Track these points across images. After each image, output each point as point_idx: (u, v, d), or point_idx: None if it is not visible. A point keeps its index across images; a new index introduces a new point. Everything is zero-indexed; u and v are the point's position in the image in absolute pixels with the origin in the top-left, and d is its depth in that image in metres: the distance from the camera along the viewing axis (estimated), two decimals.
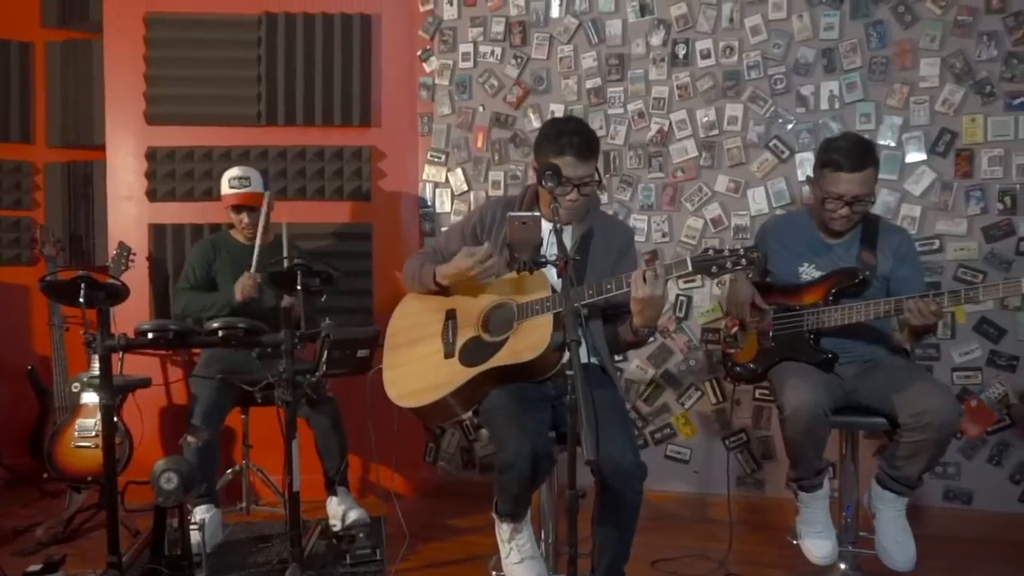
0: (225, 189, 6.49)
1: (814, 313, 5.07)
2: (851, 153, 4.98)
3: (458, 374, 4.70)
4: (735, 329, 5.41)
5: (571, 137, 4.68)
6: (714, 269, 4.28)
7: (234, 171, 6.54)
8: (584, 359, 4.32)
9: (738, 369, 5.40)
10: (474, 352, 4.73)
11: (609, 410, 4.41)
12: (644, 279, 4.30)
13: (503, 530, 4.62)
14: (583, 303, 4.47)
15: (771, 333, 5.21)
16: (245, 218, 6.52)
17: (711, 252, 4.32)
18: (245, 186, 6.47)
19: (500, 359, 4.59)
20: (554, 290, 4.60)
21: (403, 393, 4.87)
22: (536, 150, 4.88)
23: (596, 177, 4.77)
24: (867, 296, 5.02)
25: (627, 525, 4.56)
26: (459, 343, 4.82)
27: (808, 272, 5.28)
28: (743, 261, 4.24)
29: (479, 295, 4.92)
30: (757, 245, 5.47)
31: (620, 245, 5.03)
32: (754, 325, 5.32)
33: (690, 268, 4.34)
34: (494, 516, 4.62)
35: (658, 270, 4.30)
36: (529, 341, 4.54)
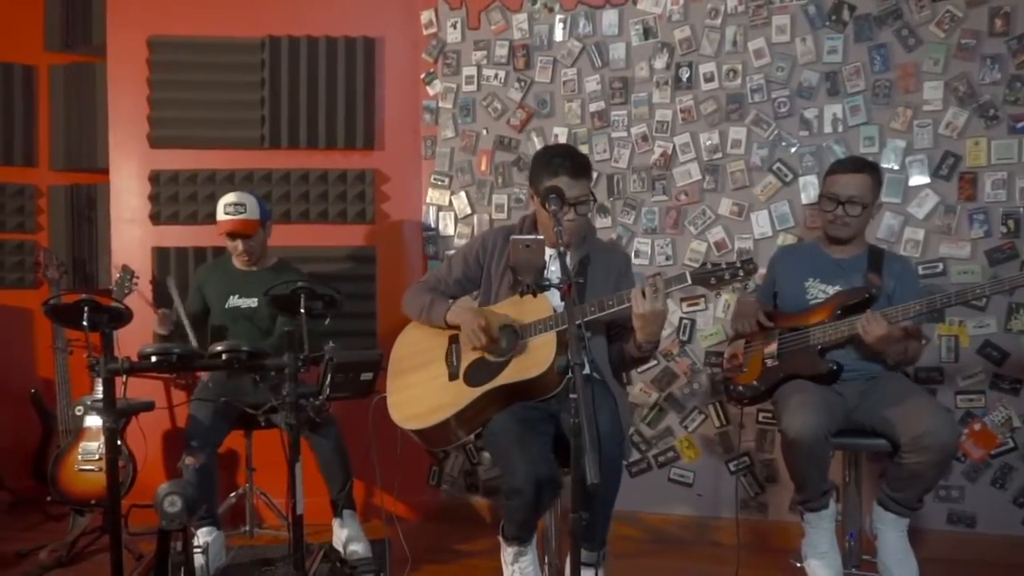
0: (220, 215, 6.44)
1: (820, 329, 5.12)
2: (850, 161, 5.32)
3: (463, 395, 4.74)
4: (738, 355, 5.42)
5: (563, 159, 4.83)
6: (712, 281, 4.42)
7: (230, 197, 6.48)
8: (586, 371, 4.34)
9: (740, 389, 5.43)
10: (479, 373, 4.78)
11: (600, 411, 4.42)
12: (644, 294, 4.37)
13: (507, 553, 4.65)
14: (586, 319, 4.50)
15: (777, 352, 5.22)
16: (240, 245, 6.47)
17: (709, 265, 4.46)
18: (240, 212, 6.41)
19: (506, 377, 4.65)
20: (555, 309, 4.66)
21: (407, 416, 4.91)
22: (532, 179, 4.99)
23: (591, 197, 4.88)
24: None
25: (602, 513, 4.66)
26: (463, 365, 4.87)
27: (814, 286, 5.36)
28: (740, 272, 4.37)
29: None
30: (767, 277, 5.62)
31: (619, 267, 5.13)
32: (759, 345, 5.33)
33: (689, 281, 4.46)
34: (500, 539, 4.64)
35: (658, 284, 4.36)
36: (535, 358, 4.61)
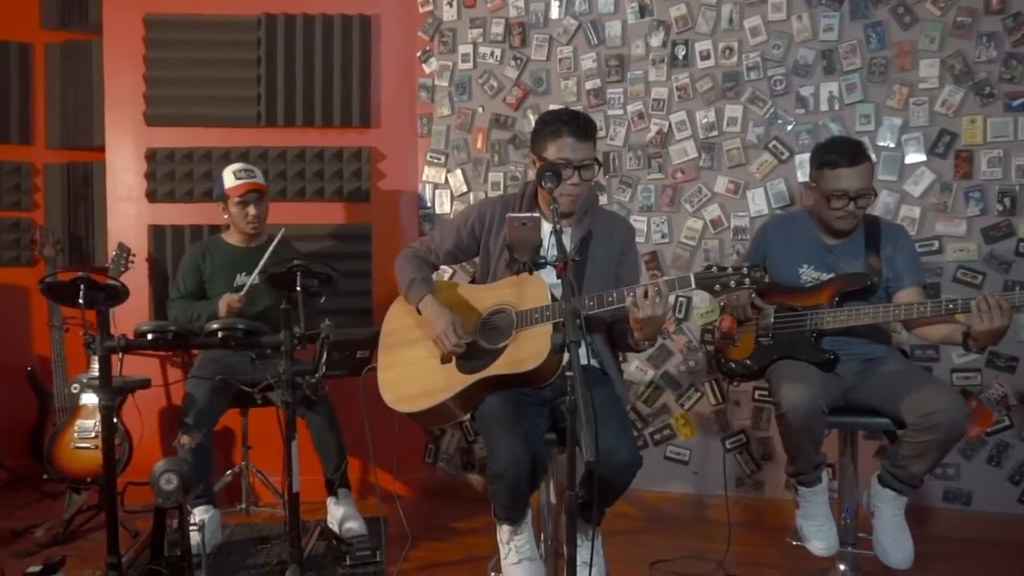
0: (231, 181, 6.43)
1: (818, 314, 5.07)
2: (846, 150, 5.09)
3: (455, 380, 4.70)
4: (731, 327, 5.39)
5: (567, 119, 4.72)
6: (717, 287, 4.30)
7: (235, 165, 6.53)
8: (584, 360, 4.29)
9: (732, 365, 5.40)
10: (472, 358, 4.73)
11: (604, 406, 4.35)
12: (646, 296, 4.27)
13: (503, 531, 4.61)
14: (585, 314, 4.31)
15: (771, 332, 5.22)
16: (252, 210, 6.47)
17: (715, 269, 4.33)
18: (252, 176, 6.47)
19: (499, 368, 4.59)
20: (554, 298, 4.58)
21: (399, 398, 4.89)
22: (533, 142, 4.88)
23: (596, 161, 4.77)
24: (869, 301, 5.05)
25: (607, 500, 4.60)
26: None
27: (808, 273, 5.29)
28: (747, 280, 4.24)
29: (477, 297, 4.92)
30: (756, 242, 5.54)
31: (622, 243, 5.01)
32: (754, 324, 5.33)
33: (693, 285, 4.34)
34: (494, 518, 4.62)
35: (661, 288, 4.27)
36: (529, 350, 4.52)
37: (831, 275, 5.22)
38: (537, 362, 4.44)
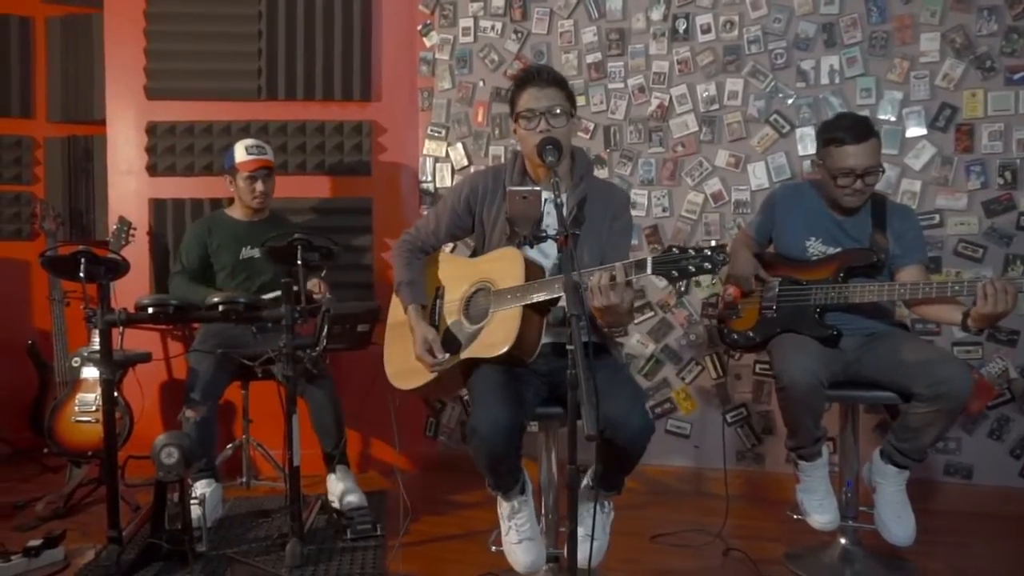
0: (242, 156, 6.47)
1: (822, 288, 5.06)
2: (853, 128, 5.00)
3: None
4: (737, 297, 5.37)
5: (532, 71, 4.69)
6: (674, 273, 3.99)
7: (248, 140, 6.56)
8: (585, 337, 4.27)
9: (735, 336, 5.40)
10: (453, 339, 4.73)
11: (612, 376, 4.41)
12: (600, 289, 4.09)
13: (503, 507, 4.59)
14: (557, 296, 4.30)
15: (775, 304, 5.22)
16: (260, 186, 6.51)
17: (675, 251, 4.01)
18: (263, 153, 6.51)
19: (472, 351, 4.56)
20: (532, 275, 4.50)
21: (391, 373, 4.94)
22: (510, 103, 4.81)
23: (568, 110, 4.65)
24: (874, 278, 5.06)
25: (625, 467, 4.53)
26: (443, 327, 4.82)
27: (815, 246, 5.26)
28: (707, 264, 3.94)
29: (463, 273, 4.90)
30: (766, 210, 5.49)
31: (615, 209, 4.91)
32: (758, 296, 5.32)
33: (649, 271, 4.06)
34: (488, 489, 4.61)
35: (616, 275, 4.10)
36: (498, 335, 4.47)
37: (838, 249, 5.20)
38: (505, 347, 4.37)
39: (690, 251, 3.98)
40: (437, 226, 5.06)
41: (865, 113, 6.18)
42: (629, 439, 4.27)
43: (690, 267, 3.96)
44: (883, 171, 5.12)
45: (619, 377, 4.52)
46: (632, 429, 4.25)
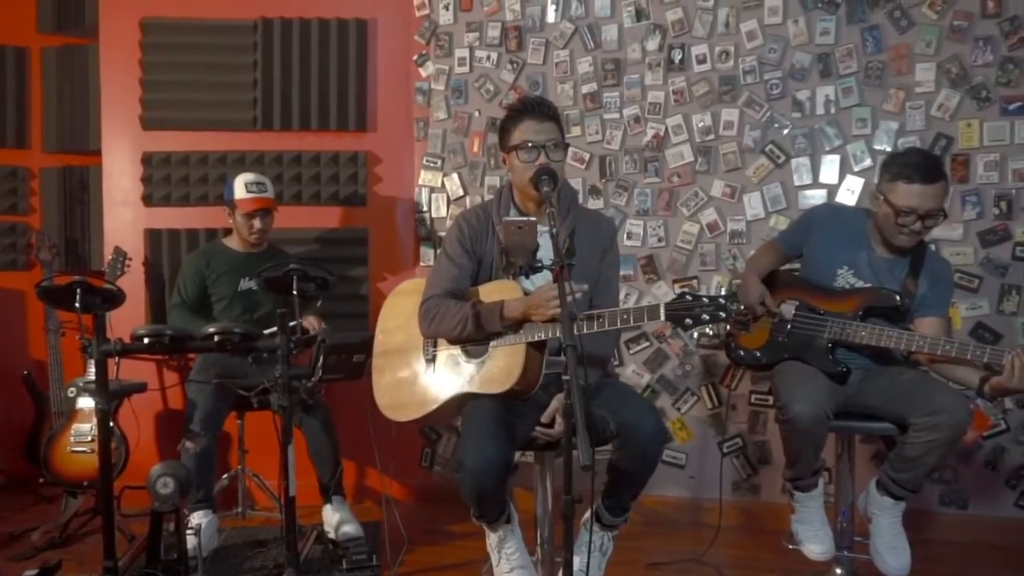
0: (242, 193, 6.48)
1: (839, 323, 5.00)
2: (923, 166, 4.83)
3: (443, 391, 4.68)
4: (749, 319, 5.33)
5: (525, 105, 4.66)
6: (688, 321, 4.07)
7: (249, 176, 6.56)
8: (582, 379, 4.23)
9: (741, 352, 5.36)
10: (451, 372, 4.69)
11: (620, 390, 4.50)
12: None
13: (491, 539, 4.59)
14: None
15: (788, 327, 5.19)
16: (257, 223, 6.53)
17: (689, 297, 4.13)
18: (263, 191, 6.52)
19: (473, 386, 4.56)
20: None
21: (385, 404, 4.89)
22: (500, 140, 4.79)
23: (561, 141, 4.62)
24: (893, 322, 5.02)
25: (639, 480, 4.50)
26: (440, 358, 4.77)
27: (845, 276, 5.16)
28: (721, 313, 4.04)
29: None
30: (801, 225, 5.42)
31: (604, 242, 4.88)
32: (767, 322, 5.28)
33: (663, 317, 4.16)
34: (473, 519, 4.60)
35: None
36: (502, 371, 4.48)
37: (867, 285, 5.10)
38: (508, 384, 4.40)
39: (704, 299, 4.06)
40: (460, 270, 4.82)
41: (860, 143, 6.20)
42: (643, 442, 4.27)
43: (704, 315, 4.05)
44: (945, 216, 5.02)
45: (630, 392, 4.59)
46: (646, 432, 4.25)
